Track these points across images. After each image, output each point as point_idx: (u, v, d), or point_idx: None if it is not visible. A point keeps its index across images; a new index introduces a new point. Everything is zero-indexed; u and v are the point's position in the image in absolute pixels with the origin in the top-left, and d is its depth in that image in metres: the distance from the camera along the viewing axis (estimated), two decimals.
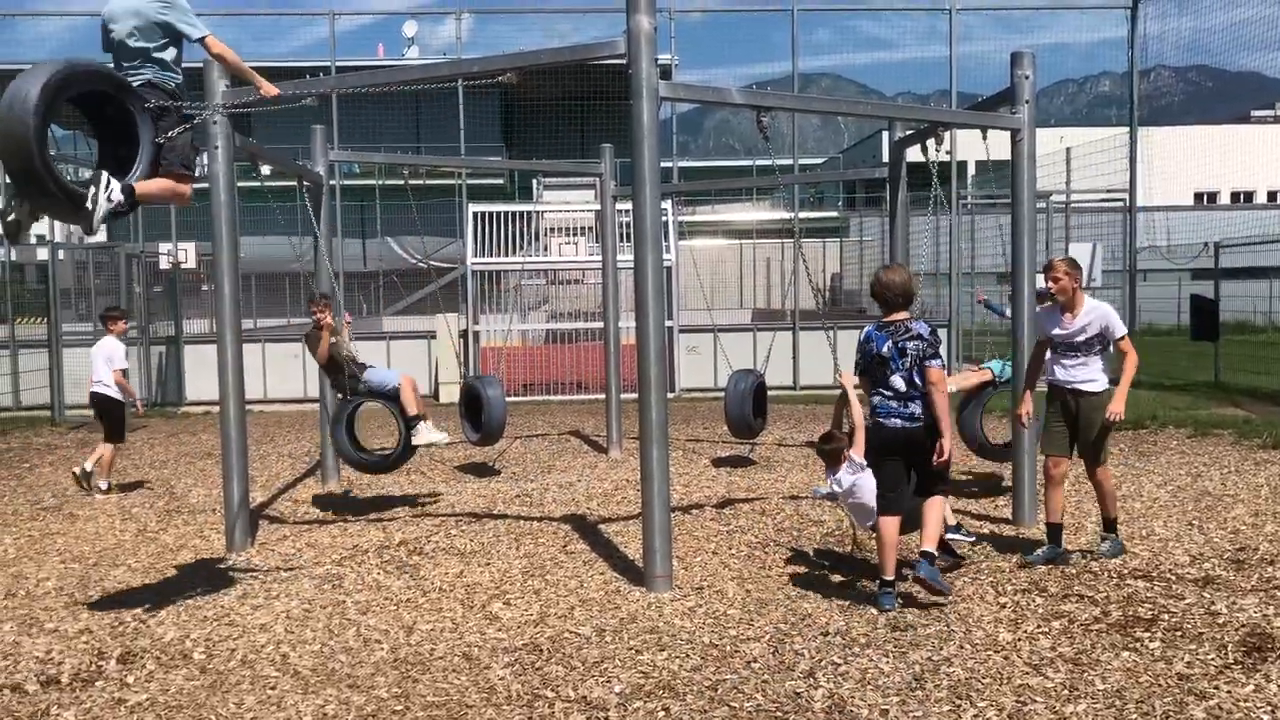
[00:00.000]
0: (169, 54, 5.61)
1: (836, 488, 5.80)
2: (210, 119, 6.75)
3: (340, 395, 8.38)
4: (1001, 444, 8.77)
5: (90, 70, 5.09)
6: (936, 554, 5.64)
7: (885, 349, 5.61)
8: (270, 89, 6.43)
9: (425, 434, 7.99)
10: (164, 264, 17.66)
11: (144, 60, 5.52)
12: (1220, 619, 5.17)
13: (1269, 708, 4.10)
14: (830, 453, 5.82)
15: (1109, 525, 6.56)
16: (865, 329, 5.78)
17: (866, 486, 5.68)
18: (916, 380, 5.56)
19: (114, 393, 9.61)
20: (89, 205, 4.92)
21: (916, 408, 5.58)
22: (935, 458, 5.61)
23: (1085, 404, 6.37)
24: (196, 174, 5.78)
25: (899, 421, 5.59)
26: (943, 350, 5.85)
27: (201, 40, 5.69)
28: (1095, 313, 6.41)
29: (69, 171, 5.32)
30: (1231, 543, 6.68)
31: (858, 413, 5.77)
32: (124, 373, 9.67)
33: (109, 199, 4.98)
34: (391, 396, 8.12)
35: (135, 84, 5.40)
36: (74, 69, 4.91)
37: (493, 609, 5.71)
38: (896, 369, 5.58)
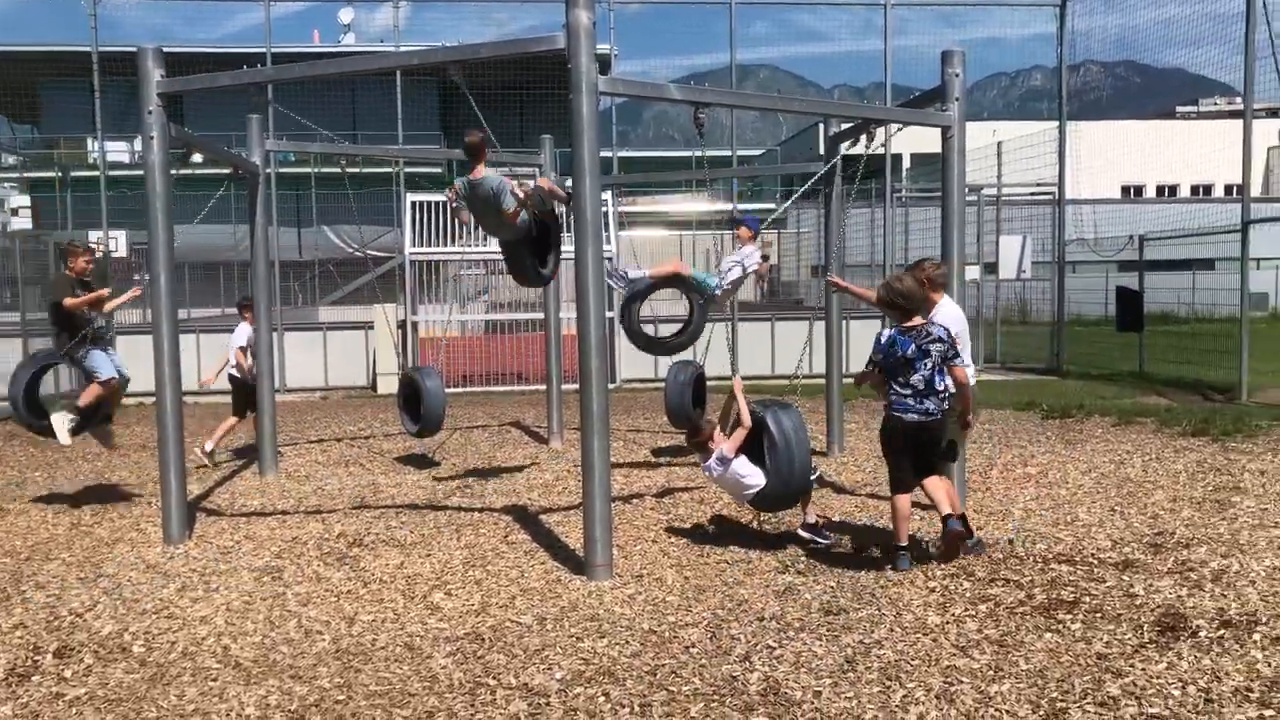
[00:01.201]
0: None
1: (708, 474, 6.67)
2: (146, 110, 6.74)
3: (60, 349, 8.39)
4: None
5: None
6: (956, 515, 6.17)
7: (910, 351, 6.03)
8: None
9: (59, 424, 8.24)
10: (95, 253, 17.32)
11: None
12: (1138, 600, 5.39)
13: (1179, 683, 4.31)
14: (699, 444, 6.67)
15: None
16: (888, 332, 6.14)
17: (738, 472, 6.47)
18: (935, 380, 6.05)
19: (238, 372, 10.42)
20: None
21: (931, 403, 6.07)
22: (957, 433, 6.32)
23: None
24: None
25: (915, 416, 6.07)
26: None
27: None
28: None
29: None
30: (1150, 527, 6.94)
31: (745, 414, 6.49)
32: (243, 351, 10.39)
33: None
34: (86, 379, 8.36)
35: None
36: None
37: (434, 599, 5.76)
38: (919, 369, 6.03)
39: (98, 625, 5.43)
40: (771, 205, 35.43)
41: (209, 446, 10.28)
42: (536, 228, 7.85)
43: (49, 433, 8.28)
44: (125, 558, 6.80)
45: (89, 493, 9.00)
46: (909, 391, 6.07)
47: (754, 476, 6.50)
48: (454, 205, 7.85)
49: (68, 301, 8.11)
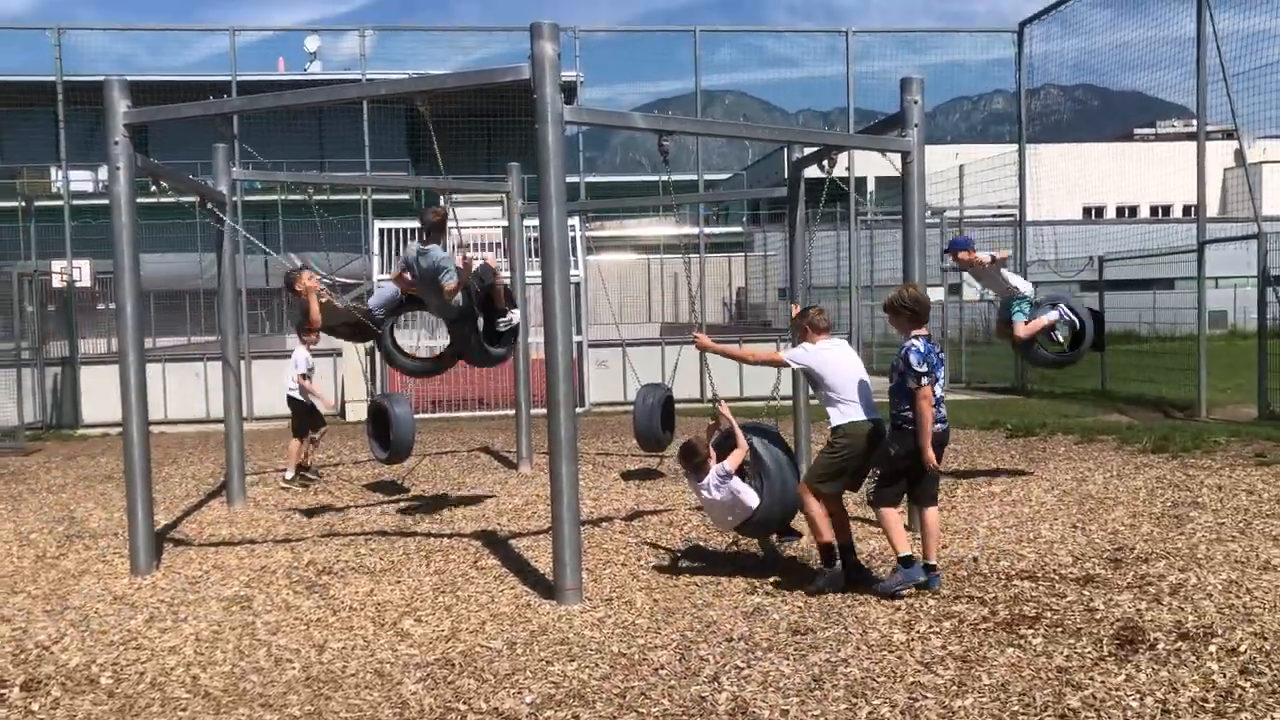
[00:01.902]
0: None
1: (706, 494, 6.43)
2: (111, 140, 6.80)
3: (365, 341, 8.92)
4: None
5: None
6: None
7: (934, 359, 6.03)
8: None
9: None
10: (57, 282, 17.21)
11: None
12: (1098, 615, 5.49)
13: (1137, 695, 4.40)
14: (698, 465, 6.46)
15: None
16: (920, 343, 6.03)
17: (736, 489, 6.35)
18: (938, 387, 6.06)
19: (297, 394, 10.69)
20: None
21: (944, 409, 6.14)
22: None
23: None
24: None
25: (940, 426, 6.08)
26: None
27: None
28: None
29: None
30: (1111, 543, 7.07)
31: (740, 437, 6.42)
32: (305, 376, 10.67)
33: None
34: (404, 304, 8.54)
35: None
36: None
37: (404, 626, 5.77)
38: (939, 376, 6.07)
39: (65, 657, 5.40)
40: (738, 229, 35.72)
41: (289, 475, 10.52)
42: (481, 308, 8.00)
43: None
44: (92, 589, 6.76)
45: (54, 525, 8.93)
46: (934, 400, 6.02)
47: (750, 496, 6.39)
48: (399, 269, 8.05)
49: (313, 320, 8.42)
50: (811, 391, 6.71)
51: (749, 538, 7.19)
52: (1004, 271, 9.47)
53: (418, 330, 16.60)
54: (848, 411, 6.19)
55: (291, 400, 10.81)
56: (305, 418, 10.74)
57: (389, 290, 8.51)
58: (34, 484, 11.17)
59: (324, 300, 8.40)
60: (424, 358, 9.39)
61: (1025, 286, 9.55)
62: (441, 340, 9.26)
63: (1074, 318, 9.58)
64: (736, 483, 6.38)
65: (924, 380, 5.93)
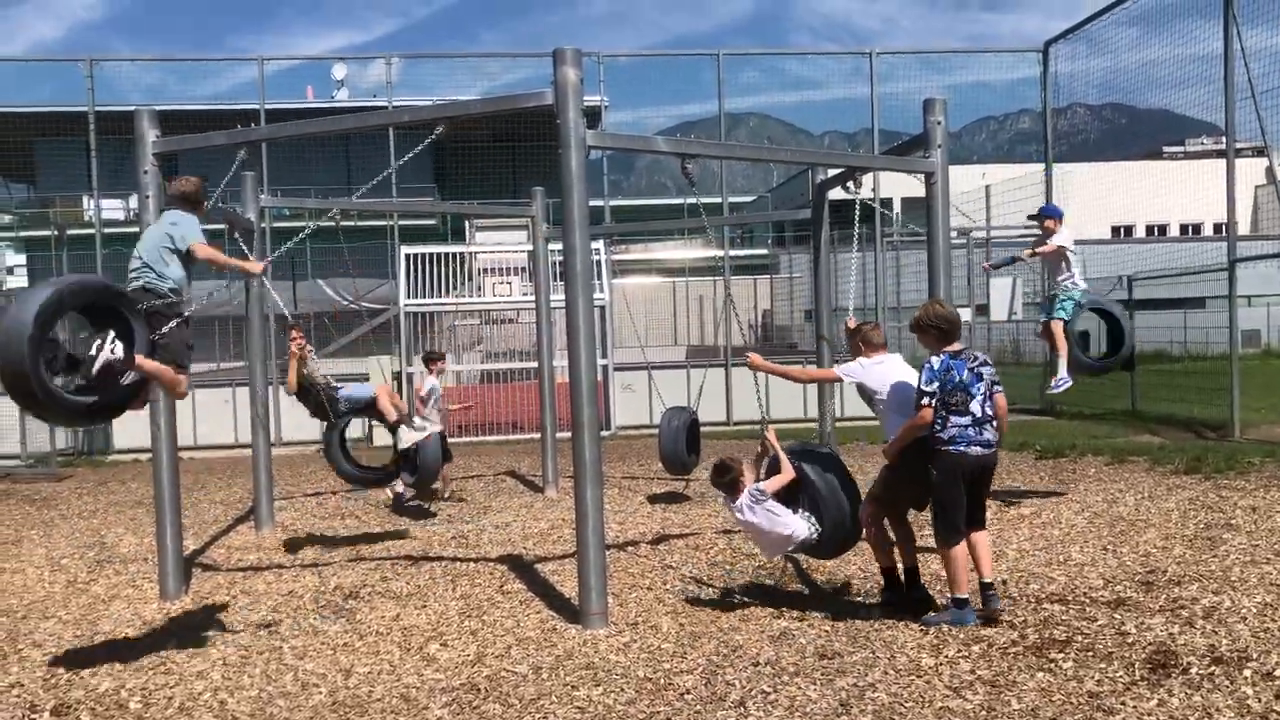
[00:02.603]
0: (168, 262, 5.97)
1: (740, 516, 6.10)
2: (141, 169, 6.88)
3: (323, 421, 8.69)
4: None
5: (83, 287, 5.33)
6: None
7: (965, 375, 5.74)
8: (255, 267, 7.04)
9: (407, 436, 8.35)
10: None
11: (142, 267, 5.92)
12: (1129, 638, 5.42)
13: None
14: (729, 484, 6.13)
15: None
16: (940, 359, 5.78)
17: (773, 511, 6.02)
18: (987, 407, 5.75)
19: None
20: (91, 353, 5.21)
21: (990, 433, 5.76)
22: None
23: None
24: (189, 369, 6.11)
25: (979, 450, 5.72)
26: None
27: (188, 251, 6.03)
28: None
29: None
30: (1142, 565, 6.98)
31: (786, 462, 6.12)
32: (423, 401, 10.68)
33: (111, 351, 5.26)
34: (369, 409, 8.52)
35: (130, 289, 5.79)
36: (62, 292, 5.09)
37: (430, 650, 5.77)
38: (975, 394, 5.72)
39: (95, 682, 5.44)
40: (764, 250, 35.70)
41: (446, 495, 10.88)
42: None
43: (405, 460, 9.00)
44: (122, 614, 6.81)
45: (85, 550, 9.01)
46: (968, 421, 5.70)
47: (792, 522, 6.03)
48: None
49: (289, 381, 8.55)
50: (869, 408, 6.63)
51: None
52: (1070, 258, 9.41)
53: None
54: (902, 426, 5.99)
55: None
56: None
57: (365, 393, 8.53)
58: (65, 510, 11.28)
59: (305, 369, 8.44)
60: (366, 467, 9.30)
61: (1079, 284, 9.44)
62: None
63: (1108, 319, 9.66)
64: (774, 505, 6.02)
65: (924, 401, 5.70)
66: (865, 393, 6.41)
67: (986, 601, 5.81)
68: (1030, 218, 10.11)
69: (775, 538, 6.10)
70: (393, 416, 8.51)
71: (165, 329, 5.74)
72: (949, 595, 5.88)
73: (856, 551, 7.79)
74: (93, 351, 5.17)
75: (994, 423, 5.80)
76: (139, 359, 5.42)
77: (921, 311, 6.01)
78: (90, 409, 5.33)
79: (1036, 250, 9.60)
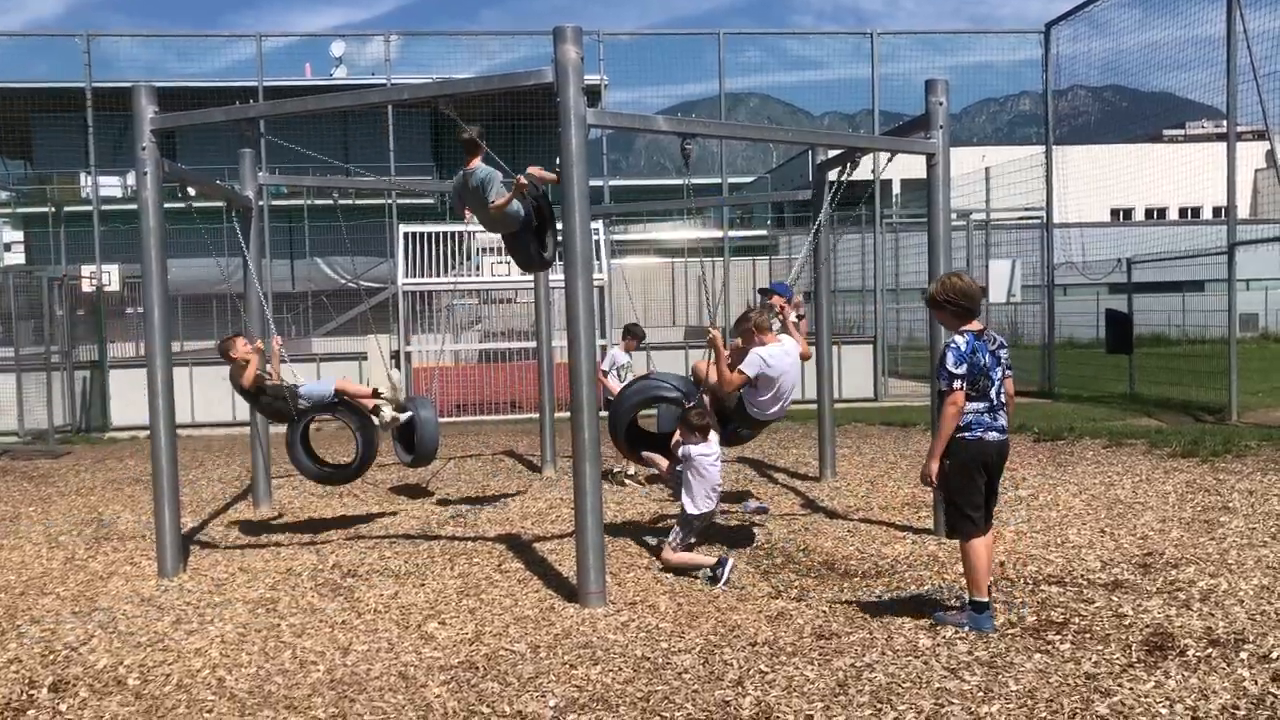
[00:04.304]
0: None
1: (686, 455, 6.79)
2: (139, 146, 6.86)
3: (280, 422, 8.39)
4: None
5: None
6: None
7: (987, 359, 5.35)
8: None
9: (388, 414, 8.38)
10: (86, 287, 17.38)
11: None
12: (1126, 620, 5.43)
13: (1167, 702, 4.34)
14: (701, 428, 6.76)
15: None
16: (966, 338, 5.34)
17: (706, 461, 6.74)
18: (1001, 392, 5.42)
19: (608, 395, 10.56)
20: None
21: (1004, 418, 5.42)
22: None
23: None
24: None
25: (996, 435, 5.38)
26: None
27: None
28: None
29: None
30: (1140, 548, 6.99)
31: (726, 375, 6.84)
32: (607, 374, 10.64)
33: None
34: (334, 405, 8.28)
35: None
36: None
37: (428, 629, 5.78)
38: (994, 380, 5.37)
39: (93, 659, 5.44)
40: (763, 231, 35.63)
41: (631, 470, 10.50)
42: (535, 215, 7.80)
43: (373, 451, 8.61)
44: (120, 591, 6.81)
45: (83, 527, 9.01)
46: (985, 407, 5.34)
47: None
48: (456, 204, 8.01)
49: (246, 379, 8.09)
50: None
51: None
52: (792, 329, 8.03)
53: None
54: None
55: (608, 402, 10.72)
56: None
57: (326, 389, 8.37)
58: (63, 486, 11.28)
59: (266, 368, 8.25)
60: (332, 464, 9.04)
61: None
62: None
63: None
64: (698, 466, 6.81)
65: (955, 384, 5.24)
66: (764, 379, 6.83)
67: (971, 618, 5.42)
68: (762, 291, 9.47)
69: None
70: (370, 398, 8.40)
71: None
72: (966, 595, 5.54)
73: (853, 532, 7.83)
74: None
75: (1005, 408, 5.48)
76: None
77: (938, 286, 5.54)
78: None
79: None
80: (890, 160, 9.02)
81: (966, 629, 5.35)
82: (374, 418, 8.32)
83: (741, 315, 7.32)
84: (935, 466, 5.37)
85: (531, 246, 8.03)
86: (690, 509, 6.81)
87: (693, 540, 7.03)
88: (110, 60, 19.25)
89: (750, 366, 6.96)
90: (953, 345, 5.34)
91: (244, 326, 8.87)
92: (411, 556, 7.49)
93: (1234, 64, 13.65)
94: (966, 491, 5.38)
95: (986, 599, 5.40)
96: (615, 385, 10.50)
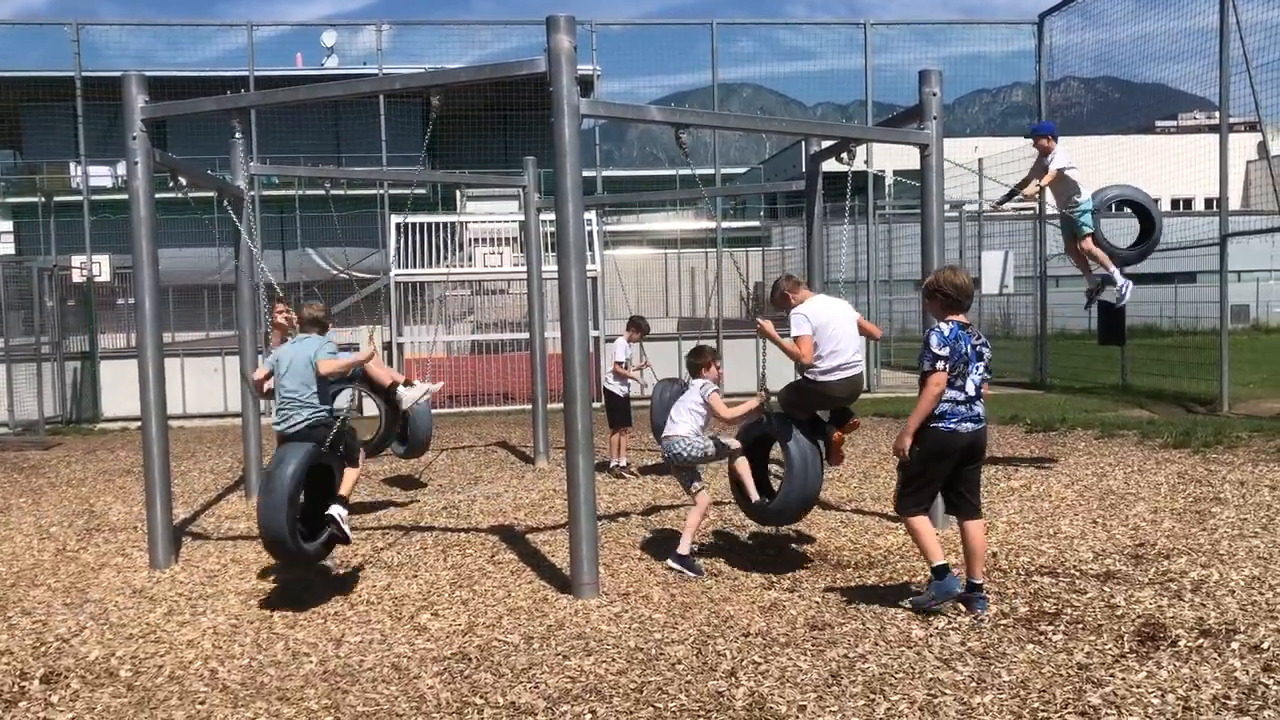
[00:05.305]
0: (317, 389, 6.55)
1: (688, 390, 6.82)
2: (129, 135, 6.83)
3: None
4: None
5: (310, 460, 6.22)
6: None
7: (969, 350, 5.49)
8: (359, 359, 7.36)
9: (407, 396, 8.48)
10: (77, 277, 17.30)
11: (300, 405, 6.50)
12: (1118, 611, 5.44)
13: (1159, 692, 4.36)
14: (699, 365, 6.83)
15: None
16: (949, 327, 5.48)
17: (699, 413, 6.73)
18: (980, 386, 5.55)
19: (614, 388, 10.76)
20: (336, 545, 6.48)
21: (980, 409, 5.55)
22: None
23: None
24: (360, 461, 6.85)
25: (970, 425, 5.49)
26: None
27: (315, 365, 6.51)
28: None
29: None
30: (1132, 539, 7.01)
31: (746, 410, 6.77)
32: (624, 365, 10.74)
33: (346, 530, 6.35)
34: (359, 377, 8.44)
35: (303, 429, 6.46)
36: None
37: (421, 620, 5.78)
38: (972, 371, 5.51)
39: (84, 650, 5.43)
40: (756, 223, 35.61)
41: (623, 463, 10.58)
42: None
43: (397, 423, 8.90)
44: (111, 583, 6.79)
45: (74, 519, 8.98)
46: (963, 398, 5.46)
47: (695, 424, 6.75)
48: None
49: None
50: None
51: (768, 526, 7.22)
52: (1070, 174, 9.57)
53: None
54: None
55: (609, 393, 10.81)
56: (621, 411, 10.73)
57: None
58: (54, 478, 11.24)
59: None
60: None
61: (1086, 193, 9.62)
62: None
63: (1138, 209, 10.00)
64: (710, 404, 6.71)
65: (939, 365, 5.38)
66: (819, 330, 6.71)
67: (971, 604, 5.53)
68: (1025, 137, 10.20)
69: (678, 424, 6.70)
70: (387, 381, 8.49)
71: (329, 439, 6.45)
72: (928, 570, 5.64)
73: (846, 523, 7.84)
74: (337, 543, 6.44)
75: (981, 401, 5.58)
76: (344, 493, 6.49)
77: (934, 275, 5.77)
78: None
79: (1040, 182, 9.59)
80: (869, 151, 9.00)
81: (937, 599, 5.50)
82: (397, 399, 8.51)
83: (772, 286, 7.18)
84: (908, 442, 5.53)
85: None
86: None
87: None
88: (100, 49, 19.18)
89: (799, 327, 6.67)
90: (936, 329, 5.51)
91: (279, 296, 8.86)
92: (404, 548, 7.48)
93: (1227, 56, 13.66)
94: (923, 478, 5.57)
95: (944, 562, 5.54)
96: (632, 375, 10.70)
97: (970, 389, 5.49)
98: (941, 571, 5.52)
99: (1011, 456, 10.57)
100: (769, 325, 6.91)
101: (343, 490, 6.47)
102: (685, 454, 6.67)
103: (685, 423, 6.70)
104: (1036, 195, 10.07)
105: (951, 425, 5.46)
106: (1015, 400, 15.77)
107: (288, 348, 6.64)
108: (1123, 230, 10.46)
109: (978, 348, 5.55)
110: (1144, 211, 10.06)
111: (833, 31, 20.77)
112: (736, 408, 6.77)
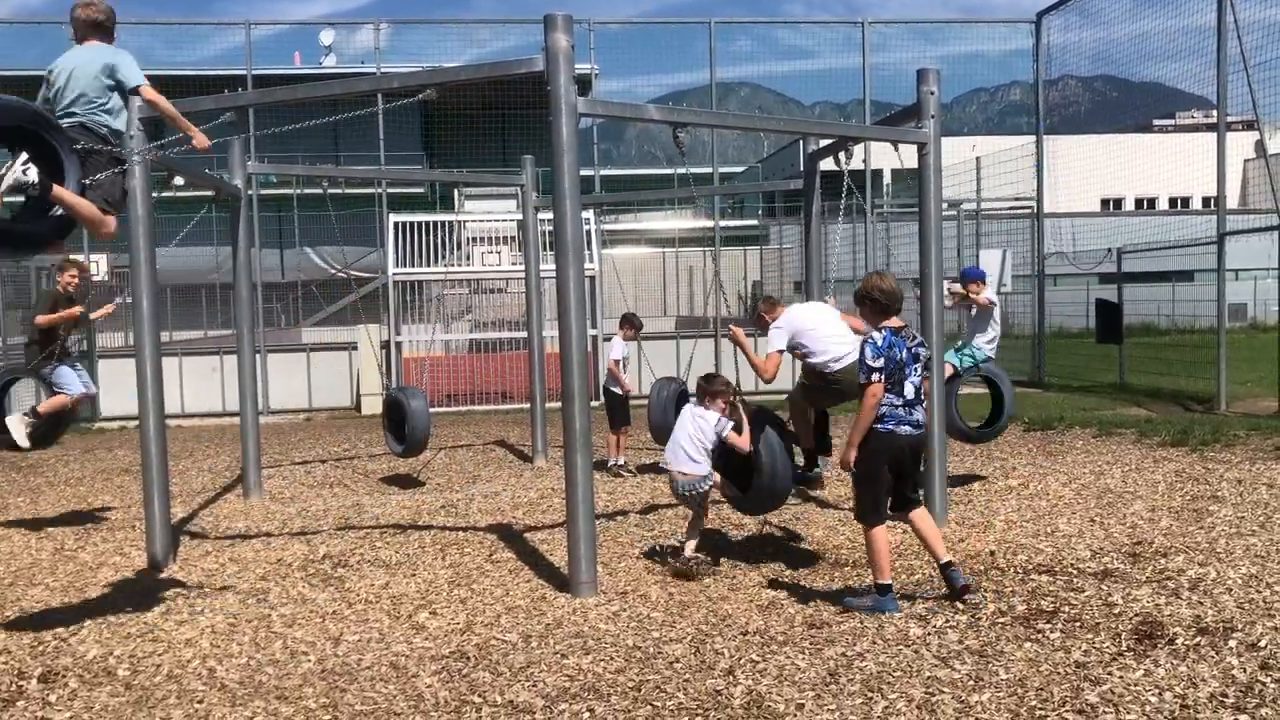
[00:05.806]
0: (108, 100, 5.62)
1: (701, 419, 6.59)
2: (129, 147, 6.78)
3: (28, 363, 8.66)
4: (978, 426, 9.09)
5: (11, 107, 4.87)
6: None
7: (904, 355, 5.59)
8: (202, 140, 6.21)
9: (14, 425, 8.35)
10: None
11: (79, 100, 5.53)
12: (1116, 609, 5.45)
13: (1156, 690, 4.36)
14: (713, 393, 6.61)
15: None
16: (883, 335, 5.58)
17: (705, 446, 6.55)
18: (919, 388, 5.65)
19: (614, 388, 10.76)
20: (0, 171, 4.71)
21: (920, 413, 5.65)
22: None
23: None
24: (118, 213, 5.64)
25: (909, 429, 5.61)
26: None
27: (136, 89, 5.71)
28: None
29: None
30: (1129, 537, 7.02)
31: (745, 433, 6.50)
32: (619, 364, 10.76)
33: (23, 172, 4.73)
34: (53, 391, 8.50)
35: (66, 124, 5.33)
36: None
37: (419, 619, 5.78)
38: (909, 375, 5.59)
39: (82, 649, 5.42)
40: (754, 221, 35.63)
41: (621, 461, 10.59)
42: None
43: (6, 438, 8.38)
44: (109, 582, 6.79)
45: (72, 517, 8.98)
46: (900, 402, 5.57)
47: (705, 460, 6.58)
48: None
49: (39, 319, 8.25)
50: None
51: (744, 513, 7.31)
52: (995, 315, 9.07)
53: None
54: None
55: (608, 392, 10.85)
56: (620, 410, 10.73)
57: (75, 388, 8.58)
58: (52, 477, 11.24)
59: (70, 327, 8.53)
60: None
61: (985, 344, 8.98)
62: None
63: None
64: (720, 437, 6.54)
65: (874, 377, 5.50)
66: (795, 341, 6.86)
67: (951, 582, 5.64)
68: (955, 281, 9.59)
69: (700, 464, 6.55)
70: (41, 410, 8.53)
71: (101, 176, 5.31)
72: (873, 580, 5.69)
73: (844, 521, 7.84)
74: (0, 170, 4.71)
75: (924, 404, 5.71)
76: (57, 190, 4.90)
77: (863, 283, 5.83)
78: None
79: (975, 298, 8.91)
80: (866, 150, 9.00)
81: (872, 611, 5.51)
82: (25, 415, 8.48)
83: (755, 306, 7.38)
84: (853, 455, 5.63)
85: None
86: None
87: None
88: None
89: (772, 343, 7.02)
90: (870, 341, 5.60)
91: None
92: (402, 547, 7.49)
93: (1224, 54, 13.67)
94: (872, 481, 5.63)
95: (889, 581, 5.61)
96: (624, 377, 10.71)
97: (909, 392, 5.61)
98: (884, 589, 5.60)
99: (1009, 455, 10.57)
100: (740, 333, 7.16)
101: (62, 192, 4.95)
102: (703, 489, 6.67)
103: (705, 462, 6.59)
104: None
105: (889, 428, 5.59)
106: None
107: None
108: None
109: (914, 350, 5.66)
110: (999, 393, 9.11)
111: (831, 30, 20.73)
112: (746, 434, 6.57)
